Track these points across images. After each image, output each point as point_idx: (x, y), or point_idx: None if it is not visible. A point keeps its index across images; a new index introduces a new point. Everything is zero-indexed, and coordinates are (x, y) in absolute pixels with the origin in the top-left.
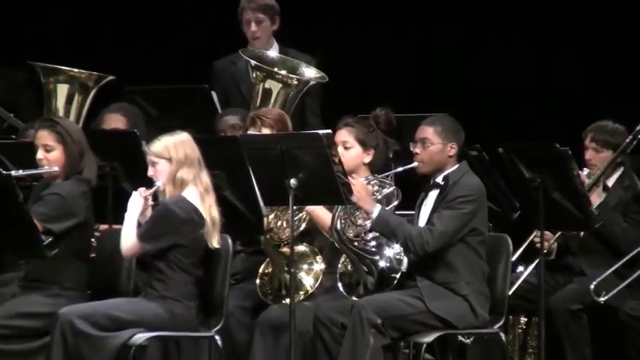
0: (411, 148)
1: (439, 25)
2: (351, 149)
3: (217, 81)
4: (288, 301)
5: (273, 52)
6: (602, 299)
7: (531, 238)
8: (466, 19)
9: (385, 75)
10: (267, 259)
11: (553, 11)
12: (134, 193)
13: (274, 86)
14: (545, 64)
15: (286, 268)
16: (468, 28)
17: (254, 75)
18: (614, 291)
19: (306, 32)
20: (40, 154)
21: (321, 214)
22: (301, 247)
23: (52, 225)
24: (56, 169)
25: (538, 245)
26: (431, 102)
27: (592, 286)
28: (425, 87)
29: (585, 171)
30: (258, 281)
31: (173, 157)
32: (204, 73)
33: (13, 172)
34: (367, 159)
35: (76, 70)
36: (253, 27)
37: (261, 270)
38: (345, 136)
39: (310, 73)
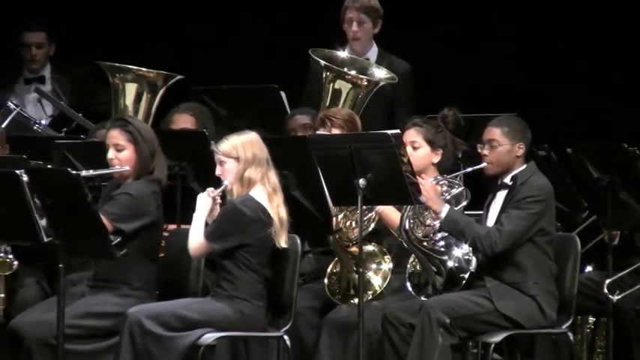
0: (479, 150)
1: (505, 25)
2: (419, 149)
3: (311, 80)
4: (356, 300)
5: (344, 53)
6: None
7: (599, 238)
8: (531, 18)
9: (453, 74)
10: (336, 259)
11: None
12: (202, 193)
13: (344, 86)
14: (620, 64)
15: (354, 268)
16: (535, 28)
17: (324, 75)
18: None
19: (384, 31)
20: (111, 153)
21: (390, 214)
22: (370, 247)
23: (123, 225)
24: (127, 168)
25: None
26: (499, 102)
27: None
28: (493, 87)
29: None
30: (326, 281)
31: (241, 156)
32: (273, 72)
33: (83, 172)
34: (435, 159)
35: (144, 69)
36: (355, 27)
37: (329, 270)
38: (413, 136)
39: (380, 73)
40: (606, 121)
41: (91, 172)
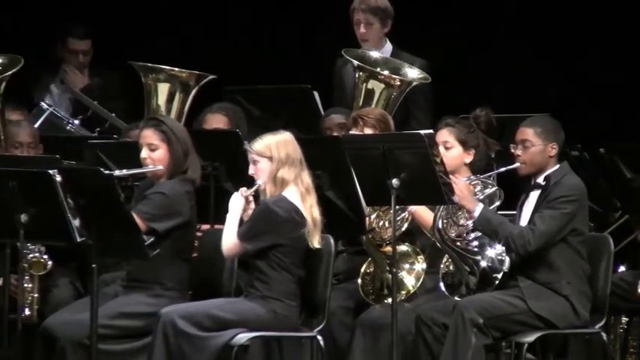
0: (512, 150)
1: (541, 25)
2: (451, 149)
3: (335, 80)
4: (390, 300)
5: (376, 53)
6: None
7: (632, 237)
8: (570, 18)
9: (485, 74)
10: (369, 259)
11: None
12: (235, 193)
13: (377, 87)
14: None
15: (388, 268)
16: (575, 27)
17: (357, 75)
18: None
19: (409, 31)
20: (145, 153)
21: (423, 213)
22: (403, 247)
23: (156, 224)
24: (161, 167)
25: None
26: (532, 102)
27: None
28: (527, 86)
29: None
30: (359, 281)
31: (274, 156)
32: (306, 72)
33: (116, 172)
34: (468, 159)
35: (176, 69)
36: (362, 29)
37: (362, 270)
38: (446, 136)
39: (413, 73)
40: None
41: (124, 171)
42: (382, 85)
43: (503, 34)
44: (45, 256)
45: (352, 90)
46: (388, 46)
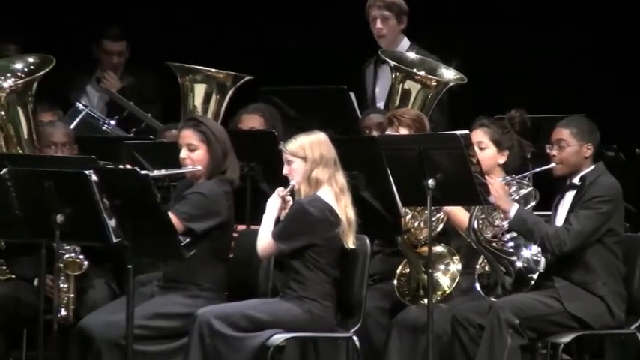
0: (547, 151)
1: (572, 25)
2: (485, 150)
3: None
4: (425, 301)
5: (413, 53)
6: None
7: None
8: (606, 16)
9: (521, 75)
10: (405, 260)
11: None
12: (271, 193)
13: (413, 87)
14: None
15: (423, 269)
16: (611, 27)
17: (393, 75)
18: None
19: (444, 32)
20: (184, 153)
21: (459, 214)
22: (438, 248)
23: (193, 224)
24: (199, 168)
25: None
26: (568, 102)
27: None
28: (561, 88)
29: None
30: (395, 282)
31: (308, 156)
32: (342, 73)
33: (154, 172)
34: (502, 160)
35: (213, 69)
36: (379, 24)
37: (398, 270)
38: (480, 136)
39: (449, 74)
40: None
41: (163, 171)
42: (419, 86)
43: (537, 33)
44: (80, 256)
45: (372, 91)
46: (405, 43)
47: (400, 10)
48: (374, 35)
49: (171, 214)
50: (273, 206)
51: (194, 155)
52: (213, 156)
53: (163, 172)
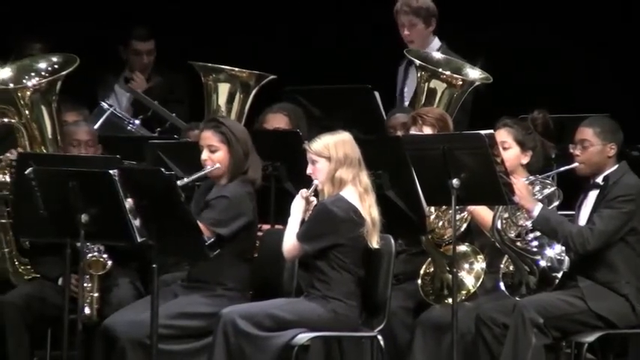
0: (571, 150)
1: (597, 25)
2: (509, 150)
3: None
4: (450, 300)
5: (438, 53)
6: None
7: None
8: (630, 17)
9: (544, 75)
10: (429, 259)
11: None
12: (295, 194)
13: (439, 86)
14: None
15: (447, 268)
16: (634, 26)
17: (419, 75)
18: None
19: (468, 31)
20: (205, 154)
21: (483, 213)
22: (462, 247)
23: (222, 229)
24: (218, 165)
25: None
26: (592, 102)
27: None
28: (584, 87)
29: None
30: (419, 281)
31: (332, 156)
32: (367, 72)
33: (179, 182)
34: (525, 160)
35: (236, 69)
36: (406, 31)
37: (422, 270)
38: (503, 136)
39: (475, 74)
40: None
41: (186, 180)
42: (444, 85)
43: (560, 33)
44: (104, 256)
45: (400, 90)
46: (435, 44)
47: (428, 13)
48: (403, 40)
49: (199, 223)
50: (298, 208)
51: (215, 156)
52: (234, 156)
53: (186, 180)
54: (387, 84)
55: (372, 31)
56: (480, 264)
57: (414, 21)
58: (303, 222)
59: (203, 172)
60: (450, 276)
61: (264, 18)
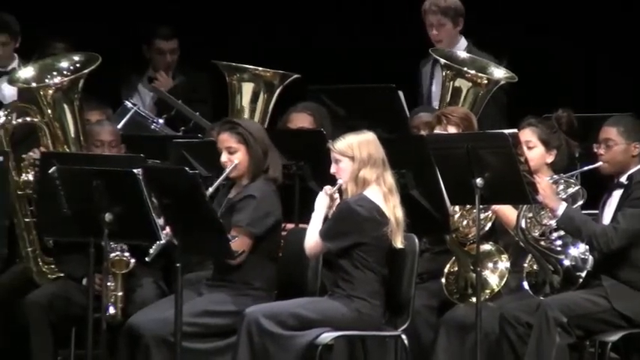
0: (595, 149)
1: (619, 24)
2: (534, 149)
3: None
4: (474, 300)
5: (463, 52)
6: None
7: None
8: None
9: (568, 74)
10: (453, 258)
11: None
12: (321, 192)
13: (464, 85)
14: None
15: (471, 267)
16: None
17: (444, 74)
18: None
19: (492, 31)
20: (224, 156)
21: (507, 212)
22: (487, 246)
23: (254, 228)
24: (236, 162)
25: None
26: (615, 101)
27: None
28: (610, 86)
29: None
30: (443, 280)
31: (356, 155)
32: (391, 71)
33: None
34: (549, 159)
35: (260, 68)
36: (434, 30)
37: (446, 269)
38: (528, 135)
39: (500, 73)
40: None
41: (211, 189)
42: (469, 84)
43: (583, 31)
44: (127, 254)
45: (428, 89)
46: (462, 43)
47: (456, 12)
48: (431, 39)
49: (233, 231)
50: (321, 205)
51: (234, 157)
52: (254, 156)
53: (211, 190)
54: (411, 84)
55: (396, 29)
56: (504, 263)
57: (442, 21)
58: (325, 219)
59: (224, 175)
60: (474, 275)
61: (290, 17)
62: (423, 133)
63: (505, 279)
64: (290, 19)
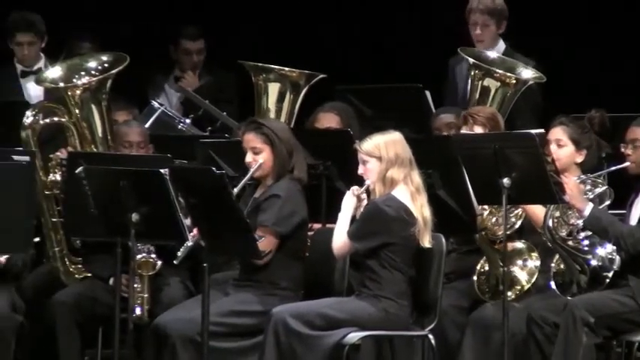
0: (622, 149)
1: None
2: (564, 147)
3: (449, 79)
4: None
5: (493, 52)
6: None
7: None
8: None
9: (601, 74)
10: (483, 258)
11: None
12: (348, 192)
13: (492, 84)
14: None
15: (501, 264)
16: None
17: (472, 73)
18: None
19: (524, 32)
20: (249, 157)
21: (536, 210)
22: (518, 244)
23: (280, 228)
24: (261, 161)
25: None
26: None
27: None
28: (637, 86)
29: None
30: (475, 279)
31: (383, 156)
32: (418, 71)
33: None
34: (579, 159)
35: (286, 68)
36: (478, 30)
37: (478, 268)
38: (559, 134)
39: (528, 73)
40: None
41: (236, 190)
42: (498, 84)
43: (613, 31)
44: (153, 256)
45: (463, 89)
46: (501, 46)
47: (501, 15)
48: (472, 38)
49: (259, 231)
50: (349, 205)
51: (259, 157)
52: (279, 156)
53: (237, 190)
54: (437, 83)
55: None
56: (534, 262)
57: (487, 21)
58: (353, 220)
59: (249, 174)
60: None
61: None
62: (446, 134)
63: (535, 277)
64: (316, 19)
